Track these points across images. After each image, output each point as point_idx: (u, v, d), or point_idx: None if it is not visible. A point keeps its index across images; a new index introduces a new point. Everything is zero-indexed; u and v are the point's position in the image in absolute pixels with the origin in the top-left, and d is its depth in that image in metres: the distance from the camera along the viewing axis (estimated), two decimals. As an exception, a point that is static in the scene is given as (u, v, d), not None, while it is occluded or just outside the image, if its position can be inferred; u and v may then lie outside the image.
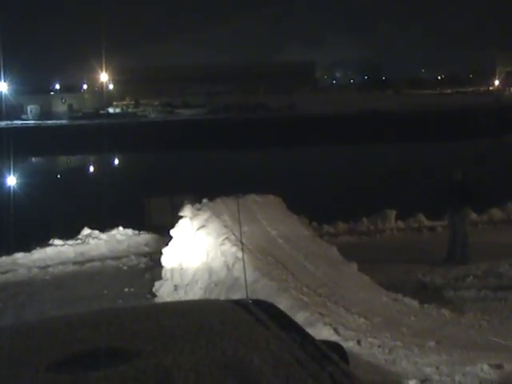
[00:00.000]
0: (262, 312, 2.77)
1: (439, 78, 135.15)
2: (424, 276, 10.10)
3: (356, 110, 61.17)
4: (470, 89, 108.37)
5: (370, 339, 6.82)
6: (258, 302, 3.02)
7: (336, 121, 54.30)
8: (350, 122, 53.04)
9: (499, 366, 5.87)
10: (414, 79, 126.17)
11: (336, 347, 2.92)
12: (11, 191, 23.99)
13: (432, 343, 6.71)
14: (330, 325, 7.15)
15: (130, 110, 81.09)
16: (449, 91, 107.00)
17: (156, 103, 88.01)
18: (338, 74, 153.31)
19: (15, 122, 65.28)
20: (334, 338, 6.65)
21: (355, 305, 7.91)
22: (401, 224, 14.27)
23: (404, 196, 19.08)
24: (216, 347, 2.25)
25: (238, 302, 2.97)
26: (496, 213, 14.08)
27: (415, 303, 8.21)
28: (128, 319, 2.69)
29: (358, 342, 6.75)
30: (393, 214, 14.42)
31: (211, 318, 2.62)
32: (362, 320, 7.45)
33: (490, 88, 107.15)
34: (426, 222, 14.31)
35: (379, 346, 6.67)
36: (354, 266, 9.32)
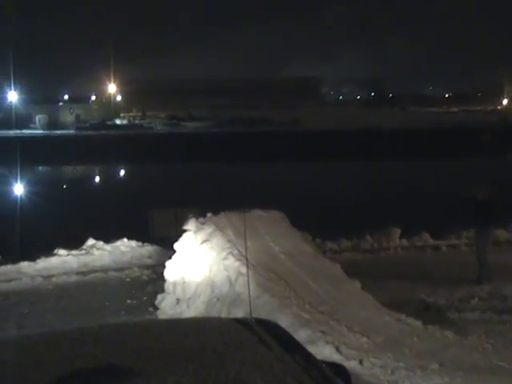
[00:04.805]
0: (266, 332, 2.75)
1: (446, 95, 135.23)
2: (427, 296, 10.04)
3: (360, 126, 61.27)
4: (478, 108, 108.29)
5: (372, 359, 6.78)
6: (261, 321, 2.99)
7: (339, 136, 54.31)
8: (354, 137, 53.06)
9: (502, 391, 5.82)
10: (420, 96, 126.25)
11: (339, 369, 2.91)
12: (18, 200, 24.08)
13: (435, 365, 6.65)
14: (332, 343, 7.11)
15: (136, 122, 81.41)
16: (455, 109, 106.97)
17: (162, 115, 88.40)
18: (344, 90, 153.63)
19: (23, 131, 65.58)
20: (335, 356, 6.62)
21: (357, 324, 7.87)
22: (405, 242, 14.21)
23: (409, 214, 19.02)
24: (219, 368, 2.24)
25: (240, 321, 2.95)
26: (501, 233, 14.02)
27: (418, 324, 8.16)
28: (130, 336, 2.68)
29: (360, 362, 6.71)
30: (397, 232, 14.38)
31: (214, 338, 2.61)
32: (364, 339, 7.40)
33: (498, 107, 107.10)
34: (431, 241, 14.25)
35: (381, 367, 6.63)
36: (358, 285, 9.28)
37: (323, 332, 7.40)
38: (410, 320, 8.26)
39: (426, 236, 14.37)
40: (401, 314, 8.44)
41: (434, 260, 12.90)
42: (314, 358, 2.65)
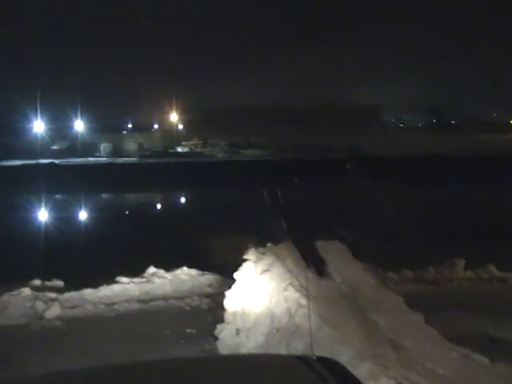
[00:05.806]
0: (326, 370, 2.71)
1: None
2: (494, 331, 9.67)
3: (422, 153, 60.46)
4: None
5: (436, 397, 6.57)
6: (321, 359, 2.96)
7: (402, 163, 53.72)
8: (417, 164, 52.33)
9: None
10: (485, 123, 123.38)
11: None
12: (82, 226, 24.78)
13: (503, 405, 6.39)
14: (395, 379, 6.92)
15: (197, 150, 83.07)
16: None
17: (223, 143, 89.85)
18: (405, 117, 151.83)
19: (89, 159, 67.93)
20: (398, 393, 6.45)
21: (421, 358, 7.64)
22: (470, 274, 13.82)
23: (474, 245, 18.47)
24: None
25: (301, 358, 2.93)
26: None
27: (485, 360, 7.85)
28: (193, 371, 2.70)
29: (424, 400, 6.51)
30: (462, 263, 14.00)
31: (274, 375, 2.60)
32: (428, 376, 7.18)
33: None
34: (497, 273, 13.81)
35: (446, 405, 6.41)
36: (421, 318, 9.04)
37: (385, 367, 7.22)
38: (477, 356, 7.95)
39: (493, 268, 13.93)
40: (466, 350, 8.16)
41: (501, 293, 12.47)
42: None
